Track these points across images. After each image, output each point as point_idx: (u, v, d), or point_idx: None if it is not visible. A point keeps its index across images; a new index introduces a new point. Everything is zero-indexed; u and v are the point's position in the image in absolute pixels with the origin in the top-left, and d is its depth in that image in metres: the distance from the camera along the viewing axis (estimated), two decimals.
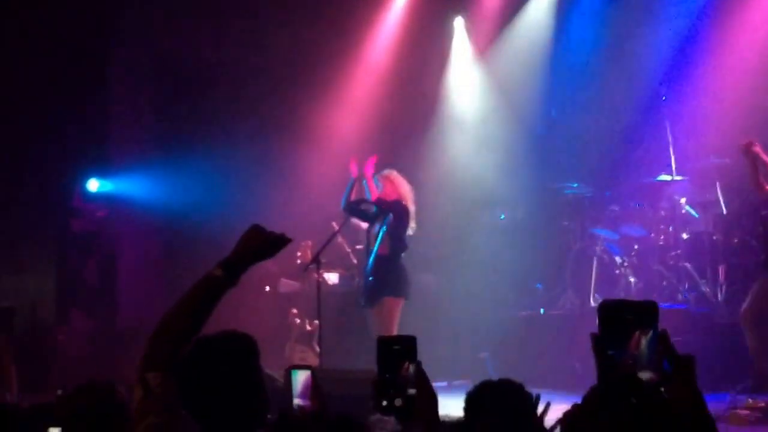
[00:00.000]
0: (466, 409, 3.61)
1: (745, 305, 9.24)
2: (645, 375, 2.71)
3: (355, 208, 10.43)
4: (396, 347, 2.96)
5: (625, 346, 2.79)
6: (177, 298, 3.50)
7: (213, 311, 3.45)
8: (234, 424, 3.30)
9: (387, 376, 2.92)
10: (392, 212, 10.13)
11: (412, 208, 10.29)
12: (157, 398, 3.21)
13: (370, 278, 10.27)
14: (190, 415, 3.26)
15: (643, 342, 2.74)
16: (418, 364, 2.93)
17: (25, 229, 12.95)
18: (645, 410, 2.66)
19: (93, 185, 13.30)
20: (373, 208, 10.29)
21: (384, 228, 10.13)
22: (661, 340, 2.74)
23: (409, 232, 10.27)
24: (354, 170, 10.53)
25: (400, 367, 2.92)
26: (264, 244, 3.55)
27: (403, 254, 10.26)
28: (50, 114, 12.67)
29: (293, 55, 13.37)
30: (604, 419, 2.80)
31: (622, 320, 2.80)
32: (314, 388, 3.51)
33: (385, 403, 2.90)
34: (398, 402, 2.89)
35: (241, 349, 3.48)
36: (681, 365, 2.69)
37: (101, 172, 13.32)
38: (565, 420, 2.93)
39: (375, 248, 10.22)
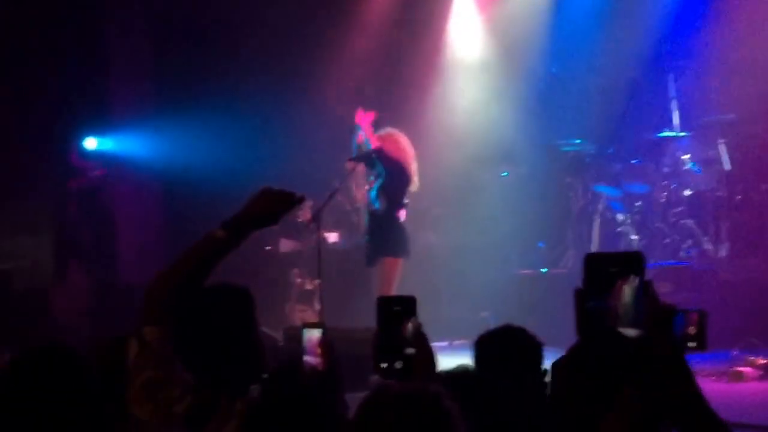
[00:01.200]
0: (476, 356, 3.64)
1: None
2: (629, 331, 2.65)
3: (362, 155, 10.48)
4: (396, 308, 2.94)
5: (607, 297, 2.75)
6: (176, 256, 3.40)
7: (211, 272, 3.35)
8: (229, 377, 3.29)
9: (386, 336, 2.92)
10: (389, 170, 10.14)
11: (414, 166, 10.28)
12: (153, 352, 3.16)
13: (367, 237, 10.41)
14: (186, 369, 3.22)
15: (627, 291, 2.67)
16: (417, 324, 2.92)
17: (21, 188, 12.93)
18: (623, 366, 2.61)
19: (91, 143, 13.22)
20: (374, 157, 10.30)
21: (378, 185, 10.20)
22: (645, 288, 2.67)
23: (412, 188, 10.28)
24: (360, 118, 10.48)
25: (399, 327, 2.91)
26: (273, 204, 3.44)
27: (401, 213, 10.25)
28: (47, 71, 12.64)
29: (293, 7, 13.20)
30: (583, 373, 2.85)
31: (606, 272, 2.76)
32: (324, 345, 3.45)
33: (384, 365, 2.91)
34: (398, 365, 2.88)
35: (237, 302, 3.48)
36: (659, 316, 2.62)
37: (99, 130, 13.26)
38: (553, 370, 2.98)
39: (370, 207, 10.31)
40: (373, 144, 10.25)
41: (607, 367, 2.79)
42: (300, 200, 3.48)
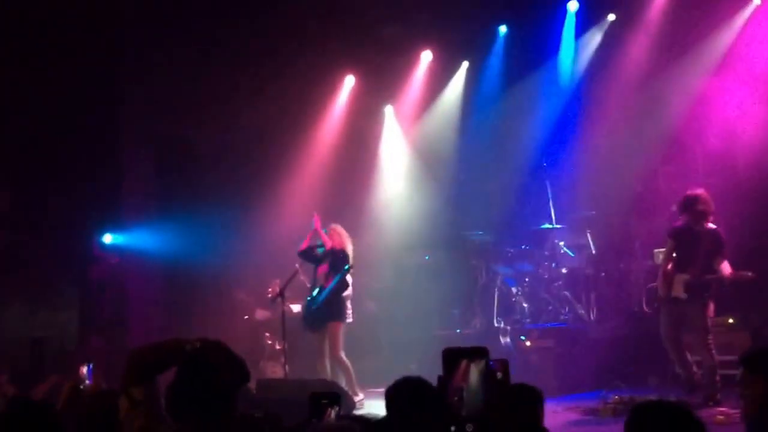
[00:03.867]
0: (387, 402, 3.39)
1: (661, 332, 8.65)
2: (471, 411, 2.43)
3: (307, 253, 10.52)
4: (324, 400, 2.75)
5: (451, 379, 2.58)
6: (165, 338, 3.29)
7: (173, 363, 3.20)
8: (209, 427, 3.19)
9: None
10: (334, 256, 10.23)
11: (350, 250, 10.28)
12: (142, 407, 3.10)
13: (314, 307, 10.24)
14: (170, 417, 3.15)
15: (474, 372, 2.58)
16: (339, 413, 2.73)
17: (53, 274, 12.82)
18: None
19: (107, 238, 13.09)
20: (320, 251, 10.36)
21: (327, 268, 10.26)
22: (491, 372, 2.52)
23: (350, 262, 10.20)
24: (317, 222, 10.58)
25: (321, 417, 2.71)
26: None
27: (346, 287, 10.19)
28: (73, 181, 12.59)
29: (261, 133, 13.25)
30: None
31: (458, 362, 2.71)
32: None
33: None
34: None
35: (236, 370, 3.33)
36: (504, 397, 2.45)
37: (114, 228, 13.17)
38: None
39: (318, 284, 10.30)
40: (325, 243, 10.33)
41: None
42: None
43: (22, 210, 12.63)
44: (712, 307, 8.46)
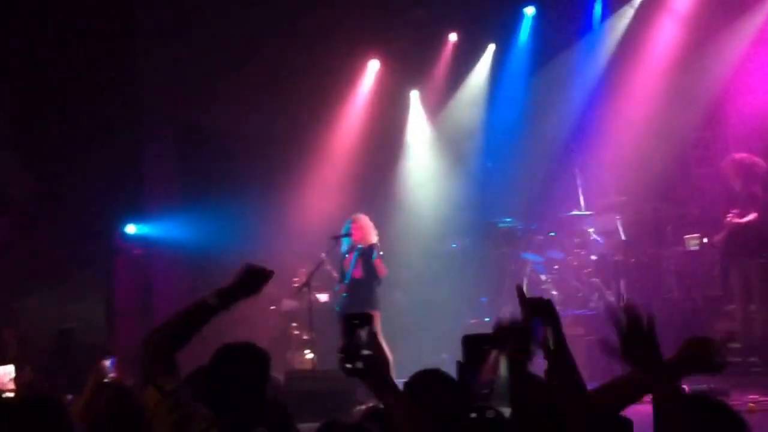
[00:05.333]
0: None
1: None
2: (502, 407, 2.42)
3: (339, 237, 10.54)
4: (354, 321, 2.77)
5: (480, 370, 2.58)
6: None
7: (200, 329, 3.21)
8: (240, 418, 3.30)
9: (348, 343, 2.73)
10: (363, 247, 10.19)
11: (375, 239, 10.22)
12: (173, 398, 3.09)
13: (346, 298, 10.20)
14: (203, 406, 3.15)
15: (503, 364, 2.50)
16: (371, 331, 2.75)
17: (77, 266, 12.90)
18: None
19: (131, 229, 13.25)
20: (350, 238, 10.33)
21: (356, 257, 10.17)
22: (518, 292, 2.43)
23: (381, 253, 10.18)
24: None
25: (356, 336, 2.73)
26: (251, 277, 3.31)
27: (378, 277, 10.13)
28: (96, 172, 12.61)
29: (284, 120, 13.25)
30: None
31: (480, 349, 2.70)
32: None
33: (348, 366, 2.72)
34: (359, 365, 2.69)
35: (258, 360, 3.55)
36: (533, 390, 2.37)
37: (138, 219, 13.28)
38: None
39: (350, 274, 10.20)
40: (355, 236, 10.26)
41: None
42: (271, 274, 3.32)
43: (44, 202, 12.73)
44: None
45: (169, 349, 3.16)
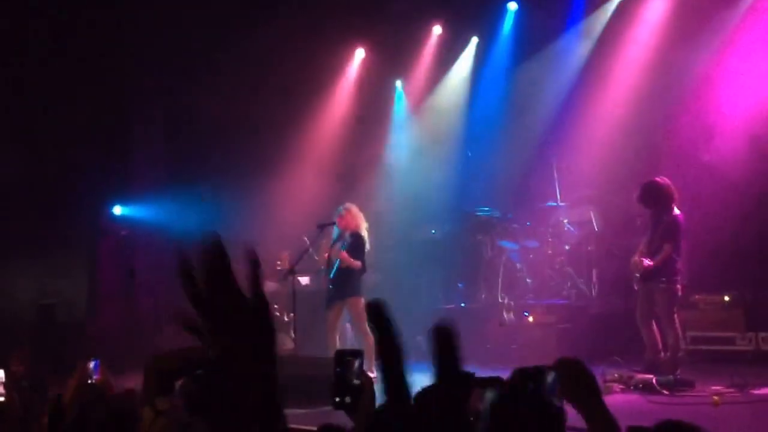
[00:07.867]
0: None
1: (636, 310, 9.09)
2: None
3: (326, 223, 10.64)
4: (348, 357, 2.79)
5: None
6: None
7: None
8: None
9: (339, 378, 2.73)
10: (351, 235, 10.28)
11: (365, 231, 10.30)
12: (166, 415, 3.48)
13: (332, 285, 10.29)
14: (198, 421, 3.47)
15: (488, 397, 2.13)
16: (361, 364, 2.74)
17: (62, 246, 13.18)
18: None
19: (117, 210, 13.57)
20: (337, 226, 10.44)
21: (343, 246, 10.24)
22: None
23: (367, 247, 10.26)
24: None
25: (349, 371, 2.73)
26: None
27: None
28: (86, 156, 12.92)
29: (270, 105, 13.36)
30: None
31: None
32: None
33: (337, 399, 2.72)
34: (347, 399, 2.70)
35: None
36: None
37: (124, 200, 13.57)
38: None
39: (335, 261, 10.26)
40: (339, 224, 10.37)
41: None
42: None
43: (31, 182, 12.98)
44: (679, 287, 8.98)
45: (169, 380, 3.44)
